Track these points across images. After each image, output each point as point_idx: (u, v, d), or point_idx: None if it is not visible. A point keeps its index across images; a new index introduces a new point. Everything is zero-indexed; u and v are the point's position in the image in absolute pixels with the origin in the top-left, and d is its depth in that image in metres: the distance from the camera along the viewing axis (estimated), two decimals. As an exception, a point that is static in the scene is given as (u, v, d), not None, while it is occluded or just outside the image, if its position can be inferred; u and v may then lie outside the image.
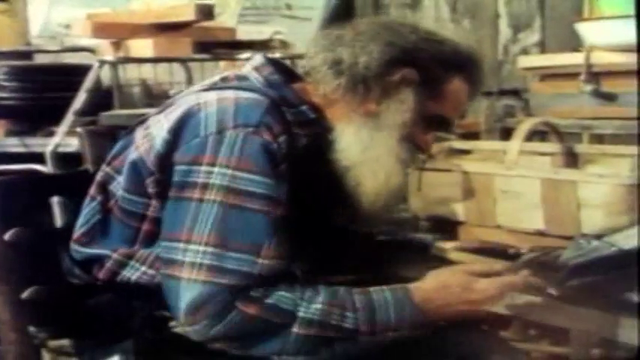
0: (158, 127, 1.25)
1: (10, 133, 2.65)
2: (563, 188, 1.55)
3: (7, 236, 1.31)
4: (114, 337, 1.22)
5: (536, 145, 1.91)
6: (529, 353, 1.92)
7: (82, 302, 1.26)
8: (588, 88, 2.36)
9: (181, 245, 1.15)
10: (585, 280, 1.23)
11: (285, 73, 1.33)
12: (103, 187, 1.29)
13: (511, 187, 1.63)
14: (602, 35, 2.32)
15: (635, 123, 1.93)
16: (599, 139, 2.34)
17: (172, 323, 1.22)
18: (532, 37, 3.37)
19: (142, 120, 1.32)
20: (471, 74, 1.34)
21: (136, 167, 1.23)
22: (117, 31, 2.68)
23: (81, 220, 1.31)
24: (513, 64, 3.21)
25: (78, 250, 1.30)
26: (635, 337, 1.15)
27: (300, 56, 3.27)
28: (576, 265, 1.23)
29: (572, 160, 1.81)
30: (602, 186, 1.51)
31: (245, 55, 2.72)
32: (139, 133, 1.28)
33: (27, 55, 3.05)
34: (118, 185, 1.27)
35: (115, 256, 1.25)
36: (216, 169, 1.16)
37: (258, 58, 1.35)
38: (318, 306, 1.15)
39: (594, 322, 1.22)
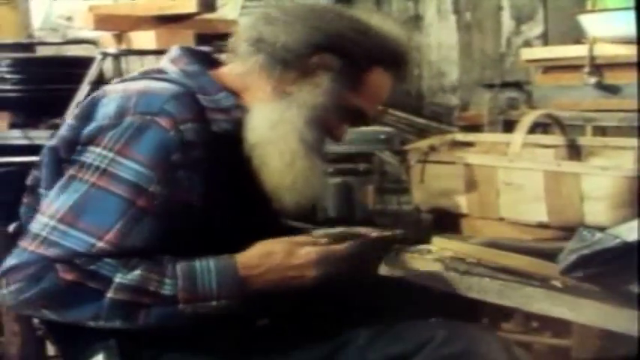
0: (69, 116, 1.28)
1: (12, 126, 2.65)
2: (566, 180, 1.55)
3: (10, 228, 1.31)
4: (96, 335, 1.20)
5: (539, 138, 1.91)
6: (531, 345, 1.93)
7: None
8: (591, 80, 2.36)
9: (41, 219, 1.16)
10: (589, 271, 1.23)
11: (203, 61, 1.34)
12: (32, 190, 1.30)
13: (514, 180, 1.63)
14: (605, 27, 2.32)
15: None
16: (602, 131, 2.34)
17: None
18: (535, 29, 3.36)
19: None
20: (395, 68, 1.32)
21: (51, 155, 1.25)
22: (119, 23, 2.68)
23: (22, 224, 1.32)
24: (516, 56, 3.20)
25: None
26: (636, 328, 1.15)
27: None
28: (580, 257, 1.23)
29: (575, 152, 1.81)
30: (604, 178, 1.51)
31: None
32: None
33: (29, 47, 3.05)
34: (42, 184, 1.27)
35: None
36: (98, 150, 1.17)
37: (173, 50, 1.35)
38: (137, 272, 1.14)
39: (596, 314, 1.22)
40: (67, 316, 1.14)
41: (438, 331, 1.24)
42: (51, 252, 1.13)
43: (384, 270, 1.45)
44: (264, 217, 1.33)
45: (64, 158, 1.23)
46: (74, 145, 1.22)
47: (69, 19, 3.32)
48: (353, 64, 1.27)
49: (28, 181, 1.31)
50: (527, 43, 3.34)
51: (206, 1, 2.66)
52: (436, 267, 1.45)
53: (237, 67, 1.31)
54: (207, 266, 1.18)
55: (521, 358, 1.27)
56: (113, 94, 1.23)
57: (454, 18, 3.67)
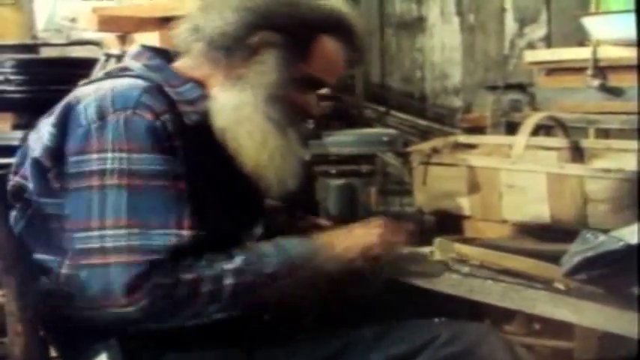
0: (45, 124, 1.28)
1: (16, 127, 2.65)
2: (569, 183, 1.55)
3: (15, 228, 1.32)
4: (97, 335, 1.22)
5: (542, 140, 1.91)
6: (533, 348, 1.93)
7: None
8: (594, 82, 2.36)
9: (96, 233, 1.17)
10: (592, 274, 1.23)
11: (165, 56, 1.36)
12: (18, 197, 1.30)
13: (517, 182, 1.63)
14: (608, 29, 2.32)
15: (641, 118, 1.93)
16: (605, 133, 2.33)
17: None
18: (538, 31, 3.36)
19: (33, 126, 1.33)
20: (340, 33, 1.32)
21: (37, 167, 1.25)
22: (123, 25, 2.68)
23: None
24: (519, 58, 3.20)
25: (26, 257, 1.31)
26: (637, 331, 1.15)
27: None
28: (584, 260, 1.23)
29: (577, 154, 1.81)
30: (607, 181, 1.51)
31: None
32: (32, 137, 1.30)
33: (33, 48, 3.05)
34: (31, 194, 1.28)
35: (65, 262, 1.24)
36: (109, 155, 1.18)
37: (134, 49, 1.38)
38: (240, 257, 1.20)
39: (598, 317, 1.22)
40: (194, 315, 1.18)
41: (441, 330, 1.25)
42: (153, 256, 1.15)
43: (386, 272, 1.44)
44: (252, 200, 1.35)
45: (48, 167, 1.23)
46: (59, 153, 1.22)
47: (73, 20, 3.32)
48: (293, 36, 1.29)
49: (9, 187, 1.30)
50: (531, 46, 3.34)
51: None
52: (439, 269, 1.44)
53: (188, 60, 1.32)
54: (290, 241, 1.26)
55: (524, 357, 1.28)
56: (87, 98, 1.23)
57: (457, 20, 3.67)
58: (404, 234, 1.36)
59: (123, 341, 1.21)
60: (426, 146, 1.89)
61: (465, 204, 1.74)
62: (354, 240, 1.30)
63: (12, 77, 2.50)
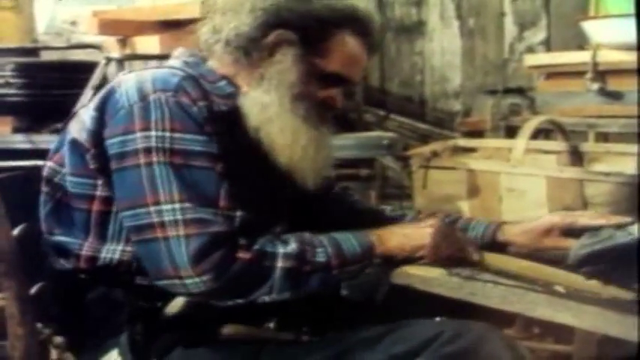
0: (86, 110, 1.30)
1: (16, 130, 2.66)
2: (569, 186, 1.56)
3: (15, 232, 1.32)
4: (107, 332, 1.23)
5: (542, 144, 1.91)
6: (533, 351, 1.93)
7: (81, 298, 1.28)
8: (594, 86, 2.37)
9: (152, 209, 1.18)
10: (598, 267, 1.23)
11: (201, 56, 1.38)
12: (49, 181, 1.33)
13: (517, 185, 1.64)
14: (608, 33, 2.33)
15: (640, 121, 1.93)
16: (604, 137, 2.34)
17: (165, 311, 1.23)
18: (538, 35, 3.37)
19: (73, 114, 1.35)
20: (356, 28, 1.33)
21: (74, 147, 1.28)
22: (123, 28, 2.69)
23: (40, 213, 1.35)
24: (519, 62, 3.21)
25: (47, 239, 1.34)
26: (636, 334, 1.15)
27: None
28: (591, 252, 1.23)
29: (577, 158, 1.81)
30: (607, 184, 1.51)
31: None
32: (73, 125, 1.32)
33: (33, 51, 3.06)
34: (64, 177, 1.30)
35: (86, 244, 1.27)
36: (152, 133, 1.20)
37: (176, 50, 1.41)
38: (293, 244, 1.22)
39: (598, 321, 1.22)
40: (251, 296, 1.19)
41: (443, 329, 1.25)
42: (211, 228, 1.17)
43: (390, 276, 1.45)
44: (277, 197, 1.36)
45: (87, 148, 1.25)
46: (99, 135, 1.24)
47: (73, 23, 3.33)
48: (310, 33, 1.30)
49: (45, 173, 1.33)
50: (530, 50, 3.35)
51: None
52: (439, 272, 1.44)
53: (214, 61, 1.35)
54: (345, 235, 1.27)
55: (525, 356, 1.28)
56: (128, 82, 1.26)
57: (457, 24, 3.68)
58: (456, 240, 1.34)
59: (132, 337, 1.22)
60: (426, 150, 1.89)
61: (465, 207, 1.74)
62: (405, 239, 1.31)
63: (12, 80, 2.50)
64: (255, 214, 1.28)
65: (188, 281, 1.16)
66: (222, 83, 1.33)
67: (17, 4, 3.23)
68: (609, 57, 2.34)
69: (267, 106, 1.29)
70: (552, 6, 3.31)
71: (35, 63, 2.78)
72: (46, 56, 3.15)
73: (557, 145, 1.85)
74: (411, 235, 1.32)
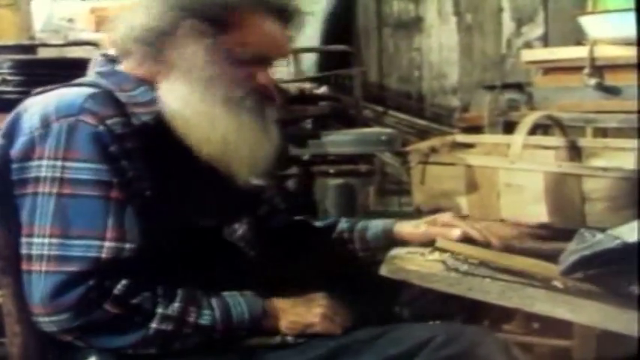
0: None
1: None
2: (567, 182, 1.55)
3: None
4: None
5: (540, 139, 1.90)
6: (532, 346, 1.93)
7: None
8: (592, 81, 2.37)
9: (26, 240, 1.19)
10: (589, 272, 1.23)
11: (116, 62, 1.36)
12: None
13: (515, 181, 1.63)
14: (605, 29, 2.32)
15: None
16: (602, 132, 2.34)
17: None
18: (535, 30, 3.37)
19: None
20: (267, 5, 1.32)
21: None
22: (120, 25, 2.67)
23: None
24: (516, 57, 3.21)
25: None
26: (636, 329, 1.15)
27: (304, 50, 3.28)
28: (581, 258, 1.23)
29: (575, 153, 1.81)
30: (605, 179, 1.51)
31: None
32: None
33: (31, 49, 3.05)
34: None
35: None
36: (44, 162, 1.19)
37: (94, 57, 1.40)
38: (177, 304, 1.19)
39: (597, 315, 1.23)
40: (110, 343, 1.17)
41: (437, 333, 1.24)
42: (70, 267, 1.14)
43: (384, 271, 1.45)
44: (227, 195, 1.34)
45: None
46: (7, 162, 1.23)
47: (70, 20, 3.32)
48: (220, 21, 1.28)
49: None
50: (528, 45, 3.35)
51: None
52: (437, 268, 1.44)
53: (132, 61, 1.33)
54: (237, 300, 1.24)
55: (519, 359, 1.27)
56: (34, 107, 1.25)
57: (455, 20, 3.68)
58: (344, 317, 1.32)
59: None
60: (424, 145, 1.89)
61: (463, 203, 1.74)
62: (296, 318, 1.29)
63: (10, 78, 2.50)
64: (200, 220, 1.27)
65: (41, 319, 1.16)
66: (141, 90, 1.29)
67: (14, 1, 3.22)
68: (607, 52, 2.33)
69: (182, 97, 1.27)
70: (550, 1, 3.31)
71: (33, 60, 2.77)
72: (43, 54, 3.15)
73: (556, 140, 1.85)
74: (302, 314, 1.29)
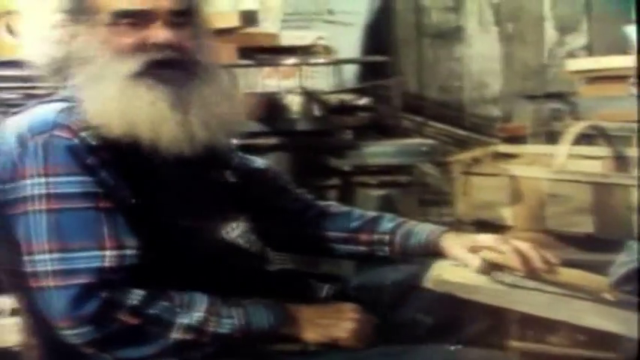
0: None
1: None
2: (614, 192, 1.54)
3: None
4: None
5: (585, 149, 1.89)
6: (575, 359, 1.90)
7: None
8: (637, 90, 2.33)
9: (28, 258, 1.18)
10: (637, 286, 1.21)
11: None
12: None
13: (560, 191, 1.62)
14: (651, 37, 2.29)
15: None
16: (648, 142, 2.30)
17: None
18: (579, 40, 3.33)
19: None
20: None
21: None
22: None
23: None
24: (559, 67, 3.18)
25: None
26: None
27: (344, 61, 3.29)
28: (630, 271, 1.21)
29: (621, 163, 1.79)
30: (653, 190, 1.48)
31: (289, 60, 2.74)
32: None
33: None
34: None
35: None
36: (28, 181, 1.19)
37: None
38: (196, 313, 1.18)
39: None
40: (130, 354, 1.17)
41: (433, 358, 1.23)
42: (77, 280, 1.14)
43: (428, 283, 1.44)
44: (219, 194, 1.33)
45: None
46: None
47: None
48: (79, 9, 1.27)
49: None
50: (571, 54, 3.31)
51: (248, 16, 2.69)
52: (482, 280, 1.43)
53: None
54: (258, 307, 1.22)
55: None
56: (10, 129, 1.24)
57: (496, 29, 3.65)
58: (371, 330, 1.27)
59: None
60: (467, 156, 1.88)
61: (507, 214, 1.73)
62: (323, 329, 1.24)
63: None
64: (193, 222, 1.25)
65: (68, 332, 1.15)
66: None
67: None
68: (652, 61, 2.30)
69: (93, 97, 1.23)
70: (594, 10, 3.27)
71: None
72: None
73: (600, 150, 1.83)
74: (330, 327, 1.25)
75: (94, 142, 1.21)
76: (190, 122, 1.25)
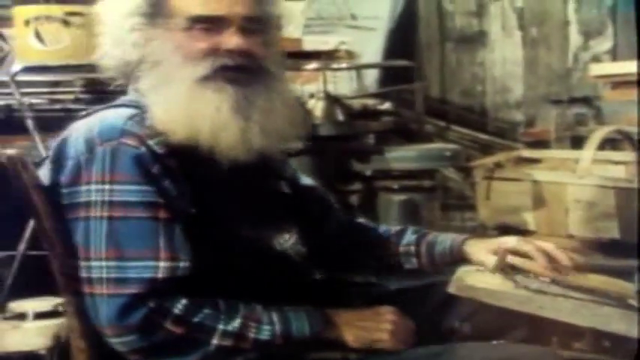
0: (46, 162, 1.30)
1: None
2: (639, 197, 1.52)
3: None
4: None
5: (610, 154, 1.87)
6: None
7: None
8: (662, 95, 2.31)
9: (84, 264, 1.20)
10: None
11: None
12: None
13: (584, 197, 1.61)
14: (677, 41, 2.27)
15: None
16: (674, 147, 2.28)
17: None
18: (604, 44, 3.31)
19: (40, 162, 1.33)
20: None
21: (45, 195, 1.27)
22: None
23: None
24: (583, 71, 3.16)
25: None
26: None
27: (366, 66, 3.29)
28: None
29: (647, 168, 1.77)
30: (680, 195, 1.47)
31: (311, 65, 2.75)
32: (40, 172, 1.30)
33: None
34: None
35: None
36: (93, 187, 1.20)
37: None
38: (238, 320, 1.19)
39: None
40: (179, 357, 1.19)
41: (498, 354, 1.23)
42: (129, 289, 1.16)
43: (452, 288, 1.44)
44: (273, 205, 1.34)
45: (51, 199, 1.26)
46: (56, 187, 1.25)
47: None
48: (157, 12, 1.28)
49: None
50: (596, 59, 3.29)
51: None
52: (507, 285, 1.43)
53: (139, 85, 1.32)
54: (298, 313, 1.23)
55: None
56: (77, 132, 1.26)
57: (519, 34, 3.64)
58: (411, 333, 1.28)
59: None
60: (490, 161, 1.88)
61: (530, 219, 1.72)
62: (363, 332, 1.25)
63: (82, 96, 2.57)
64: (248, 232, 1.26)
65: (114, 340, 1.17)
66: None
67: (87, 21, 3.32)
68: (679, 65, 2.28)
69: (160, 102, 1.25)
70: (619, 14, 3.25)
71: (104, 79, 2.85)
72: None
73: (626, 155, 1.82)
74: (370, 329, 1.26)
75: (159, 151, 1.22)
76: (250, 129, 1.27)
